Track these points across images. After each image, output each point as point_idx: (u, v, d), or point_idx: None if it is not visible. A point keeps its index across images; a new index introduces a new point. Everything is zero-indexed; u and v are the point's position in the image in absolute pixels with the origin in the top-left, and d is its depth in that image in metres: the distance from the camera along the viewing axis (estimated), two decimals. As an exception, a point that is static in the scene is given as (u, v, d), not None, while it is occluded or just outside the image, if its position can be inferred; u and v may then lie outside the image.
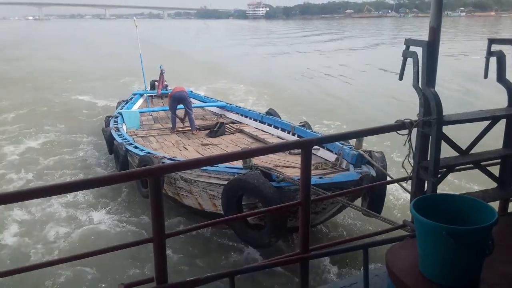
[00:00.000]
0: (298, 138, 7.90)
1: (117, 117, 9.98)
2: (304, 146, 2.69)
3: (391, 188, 6.86)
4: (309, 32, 62.80)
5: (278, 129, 8.91)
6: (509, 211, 3.00)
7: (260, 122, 9.60)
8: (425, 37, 2.63)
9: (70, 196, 7.39)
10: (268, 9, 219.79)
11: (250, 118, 10.05)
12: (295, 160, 6.49)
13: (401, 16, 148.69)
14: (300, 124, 8.55)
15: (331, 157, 6.71)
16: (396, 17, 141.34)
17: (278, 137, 8.70)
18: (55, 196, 7.18)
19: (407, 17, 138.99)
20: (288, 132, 8.52)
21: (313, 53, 33.54)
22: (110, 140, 8.70)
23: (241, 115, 10.46)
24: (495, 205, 2.82)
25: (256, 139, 8.80)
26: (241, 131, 9.43)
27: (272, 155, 7.08)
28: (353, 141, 6.28)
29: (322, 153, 7.01)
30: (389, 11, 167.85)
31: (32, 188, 2.22)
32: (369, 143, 7.90)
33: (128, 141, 8.09)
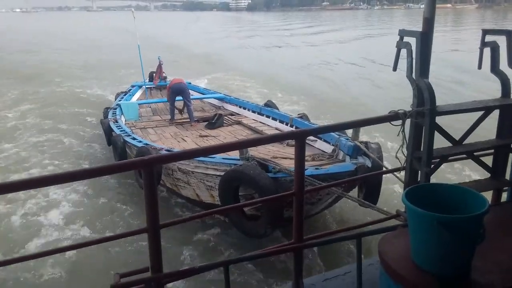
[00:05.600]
0: None
1: (115, 108, 9.99)
2: (298, 136, 2.70)
3: (388, 179, 6.88)
4: (292, 24, 63.27)
5: (276, 120, 8.92)
6: (502, 201, 3.01)
7: (258, 114, 9.61)
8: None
9: (64, 187, 7.41)
10: (250, 1, 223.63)
11: (248, 110, 10.05)
12: (293, 151, 6.49)
13: (368, 8, 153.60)
14: (298, 116, 8.56)
15: (328, 148, 6.73)
16: (364, 9, 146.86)
17: (276, 128, 8.71)
18: (47, 187, 7.20)
19: (373, 9, 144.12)
20: (286, 124, 8.53)
21: (302, 45, 34.22)
22: (108, 131, 8.71)
23: (240, 107, 10.46)
24: (488, 195, 2.84)
25: (254, 130, 8.81)
26: (239, 123, 9.44)
27: (269, 147, 7.10)
28: (350, 133, 6.29)
29: (319, 145, 7.04)
30: (361, 3, 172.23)
31: (25, 179, 2.23)
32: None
33: (126, 132, 8.11)
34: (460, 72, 17.90)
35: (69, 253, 5.38)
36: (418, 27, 2.65)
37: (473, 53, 2.90)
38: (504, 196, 3.02)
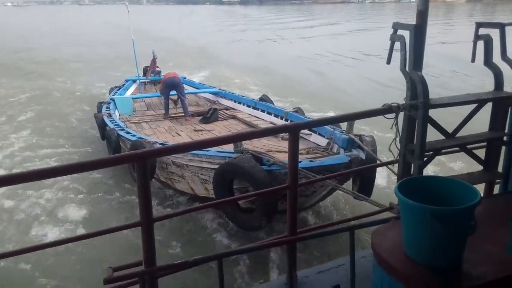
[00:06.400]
0: None
1: (109, 103, 9.94)
2: (292, 130, 2.71)
3: (382, 172, 6.91)
4: (287, 18, 63.16)
5: (271, 115, 8.93)
6: (494, 193, 3.03)
7: (253, 108, 9.61)
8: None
9: (56, 181, 7.38)
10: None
11: (243, 104, 10.04)
12: (287, 145, 6.51)
13: (359, 2, 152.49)
14: (293, 110, 8.57)
15: (322, 141, 6.75)
16: (355, 3, 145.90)
17: (271, 123, 8.71)
18: (40, 181, 7.17)
19: (364, 3, 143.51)
20: (281, 118, 8.54)
21: (297, 39, 34.27)
22: (102, 126, 8.68)
23: (235, 101, 10.45)
24: (481, 187, 2.86)
25: (249, 125, 8.81)
26: (234, 117, 9.43)
27: (264, 141, 7.11)
28: (344, 126, 6.31)
29: (314, 138, 7.06)
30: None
31: (20, 172, 2.22)
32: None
33: (120, 126, 8.08)
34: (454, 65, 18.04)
35: (61, 247, 5.33)
36: (406, 21, 2.65)
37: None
38: (497, 189, 3.04)
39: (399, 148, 2.74)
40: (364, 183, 5.50)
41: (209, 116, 9.16)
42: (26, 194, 7.09)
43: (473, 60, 2.87)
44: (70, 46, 29.83)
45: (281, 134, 7.21)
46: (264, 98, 9.88)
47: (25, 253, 2.34)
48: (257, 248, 3.04)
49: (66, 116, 12.12)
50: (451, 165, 7.67)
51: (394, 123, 2.72)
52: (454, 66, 17.71)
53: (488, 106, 2.88)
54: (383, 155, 6.01)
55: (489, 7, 75.61)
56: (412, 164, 2.69)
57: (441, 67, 17.17)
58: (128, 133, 7.60)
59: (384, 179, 7.04)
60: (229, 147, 5.76)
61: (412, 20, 2.61)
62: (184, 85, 10.11)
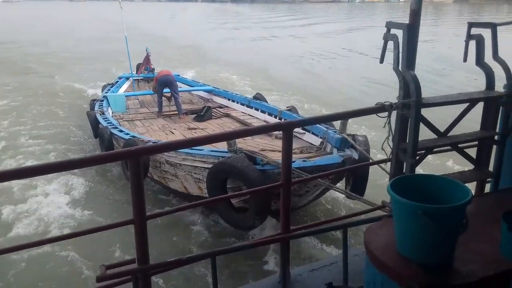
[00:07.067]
0: None
1: (102, 100, 9.89)
2: (285, 128, 2.72)
3: (375, 171, 6.93)
4: (278, 17, 63.05)
5: (265, 113, 8.93)
6: (485, 191, 3.06)
7: (247, 106, 9.60)
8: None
9: (48, 179, 7.34)
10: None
11: (237, 103, 10.04)
12: (281, 144, 6.51)
13: (350, 1, 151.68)
14: (287, 108, 8.57)
15: (316, 141, 6.77)
16: (345, 2, 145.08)
17: (265, 121, 8.72)
18: (33, 178, 7.13)
19: (354, 2, 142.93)
20: (275, 117, 8.54)
21: (287, 37, 34.25)
22: (95, 124, 8.63)
23: (228, 100, 10.44)
24: (472, 186, 2.88)
25: (242, 123, 8.80)
26: (228, 116, 9.43)
27: (258, 140, 7.11)
28: (338, 126, 6.33)
29: (307, 137, 7.07)
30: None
31: (11, 169, 2.20)
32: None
33: (113, 124, 8.04)
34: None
35: (53, 245, 5.34)
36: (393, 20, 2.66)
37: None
38: (488, 187, 3.07)
39: (391, 147, 2.76)
40: (357, 183, 5.53)
41: (203, 114, 9.15)
42: (15, 191, 7.03)
43: (465, 59, 2.88)
44: (59, 39, 29.59)
45: (275, 133, 7.21)
46: (258, 97, 9.88)
47: (15, 251, 2.33)
48: (251, 246, 3.05)
49: (58, 113, 12.02)
50: (444, 163, 7.72)
51: (387, 122, 2.74)
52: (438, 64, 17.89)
53: (480, 106, 2.91)
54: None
55: (475, 8, 76.13)
56: (405, 163, 2.71)
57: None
58: (121, 131, 7.56)
59: (377, 178, 7.07)
60: (223, 146, 5.75)
61: (400, 19, 2.62)
62: (177, 82, 10.08)
